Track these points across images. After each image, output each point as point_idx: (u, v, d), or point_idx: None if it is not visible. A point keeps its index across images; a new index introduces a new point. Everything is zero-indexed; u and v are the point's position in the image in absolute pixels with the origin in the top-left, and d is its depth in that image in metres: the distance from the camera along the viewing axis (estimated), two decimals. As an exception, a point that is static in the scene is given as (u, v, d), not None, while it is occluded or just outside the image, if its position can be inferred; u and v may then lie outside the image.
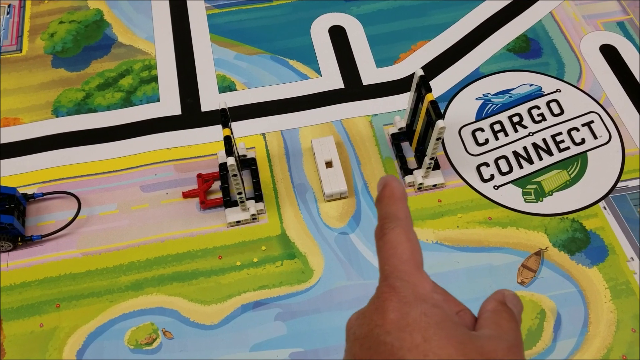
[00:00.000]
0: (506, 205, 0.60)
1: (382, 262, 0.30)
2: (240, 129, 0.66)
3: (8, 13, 0.76)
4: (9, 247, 0.57)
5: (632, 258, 0.57)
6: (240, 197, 0.56)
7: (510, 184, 0.61)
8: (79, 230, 0.59)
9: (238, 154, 0.60)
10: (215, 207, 0.60)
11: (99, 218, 0.60)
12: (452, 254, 0.57)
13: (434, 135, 0.53)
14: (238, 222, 0.59)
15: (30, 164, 0.63)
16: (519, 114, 0.66)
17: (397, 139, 0.64)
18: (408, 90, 0.67)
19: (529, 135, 0.64)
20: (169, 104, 0.68)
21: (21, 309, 0.55)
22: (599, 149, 0.63)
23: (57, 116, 0.67)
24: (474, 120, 0.66)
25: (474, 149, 0.63)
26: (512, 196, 0.60)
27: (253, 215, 0.58)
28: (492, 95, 0.67)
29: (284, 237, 0.58)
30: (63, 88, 0.69)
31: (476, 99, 0.67)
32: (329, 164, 0.61)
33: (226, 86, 0.69)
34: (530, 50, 0.71)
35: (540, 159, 0.62)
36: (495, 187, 0.61)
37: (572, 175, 0.61)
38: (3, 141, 0.65)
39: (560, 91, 0.68)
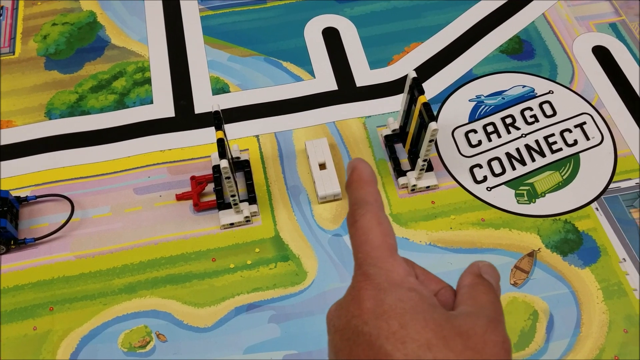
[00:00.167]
0: (499, 207, 0.60)
1: (355, 249, 0.30)
2: (234, 130, 0.66)
3: (0, 15, 0.76)
4: (2, 250, 0.57)
5: (624, 259, 0.57)
6: (234, 200, 0.56)
7: (503, 186, 0.61)
8: (72, 233, 0.59)
9: (231, 156, 0.60)
10: (209, 210, 0.60)
11: (92, 221, 0.60)
12: (445, 255, 0.57)
13: (427, 137, 0.54)
14: (231, 224, 0.59)
15: (23, 167, 0.63)
16: (511, 116, 0.66)
17: (391, 140, 0.64)
18: (401, 91, 0.67)
19: (521, 136, 0.64)
20: (163, 106, 0.68)
21: (14, 312, 0.55)
22: (592, 150, 0.64)
23: (50, 118, 0.67)
24: (467, 121, 0.66)
25: (467, 150, 0.64)
26: (505, 197, 0.61)
27: (246, 217, 0.58)
28: (485, 96, 0.68)
29: (278, 239, 0.58)
30: (56, 90, 0.69)
31: (469, 100, 0.67)
32: (322, 166, 0.62)
33: (220, 88, 0.69)
34: (523, 52, 0.71)
35: (533, 160, 0.63)
36: (488, 189, 0.61)
37: (564, 177, 0.62)
38: (-4, 144, 0.65)
39: (552, 92, 0.68)
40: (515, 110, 0.66)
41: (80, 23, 0.75)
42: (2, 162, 0.64)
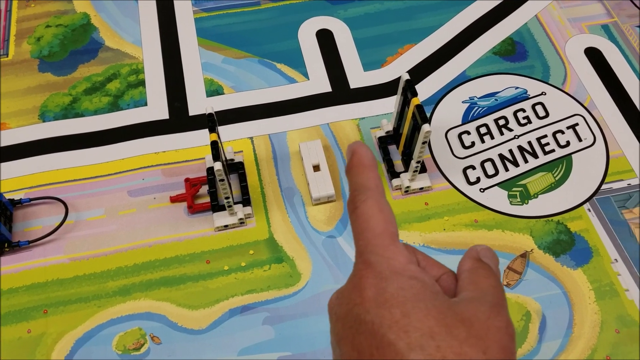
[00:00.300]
0: (492, 208, 0.60)
1: (356, 236, 0.30)
2: (228, 132, 0.66)
3: (-6, 17, 0.76)
4: (-4, 253, 0.57)
5: (616, 259, 0.57)
6: (228, 202, 0.56)
7: (496, 187, 0.62)
8: (67, 235, 0.59)
9: (225, 158, 0.60)
10: (203, 212, 0.60)
11: (86, 223, 0.60)
12: (438, 256, 0.58)
13: (420, 139, 0.54)
14: (226, 226, 0.59)
15: (17, 169, 0.63)
16: (504, 117, 0.66)
17: (384, 142, 0.64)
18: (395, 93, 0.68)
19: (514, 138, 0.65)
20: (157, 108, 0.68)
21: (8, 315, 0.55)
22: (584, 152, 0.64)
23: (44, 121, 0.67)
24: (460, 123, 0.66)
25: (460, 152, 0.64)
26: (497, 199, 0.61)
27: (241, 219, 0.59)
28: (478, 98, 0.68)
29: (272, 241, 0.59)
30: (50, 93, 0.69)
31: (462, 102, 0.68)
32: (316, 168, 0.62)
33: (214, 90, 0.69)
34: (515, 54, 0.72)
35: (526, 161, 0.63)
36: (482, 190, 0.61)
37: (557, 178, 0.62)
38: (-11, 146, 0.65)
39: (545, 94, 0.68)
40: (508, 112, 0.67)
41: (74, 25, 0.75)
42: (-4, 165, 0.64)
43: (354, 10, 0.76)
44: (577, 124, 0.66)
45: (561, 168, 0.63)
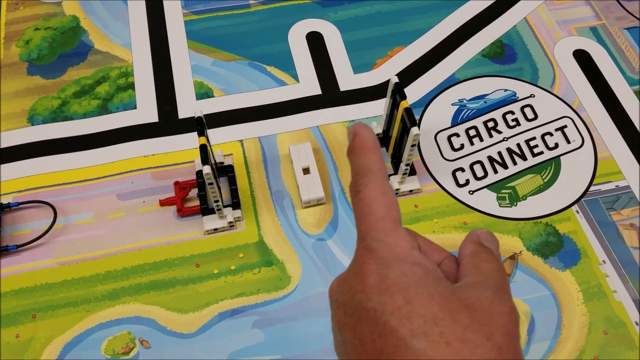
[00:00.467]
0: (481, 210, 0.61)
1: (358, 221, 0.29)
2: (218, 135, 0.66)
3: (-18, 20, 0.76)
4: (-16, 257, 0.57)
5: (604, 261, 0.58)
6: (217, 205, 0.56)
7: (485, 189, 0.62)
8: (55, 239, 0.59)
9: (215, 161, 0.60)
10: (193, 215, 0.60)
11: (75, 227, 0.60)
12: (428, 259, 0.58)
13: (409, 142, 0.54)
14: (215, 229, 0.59)
15: (5, 173, 0.63)
16: (493, 119, 0.66)
17: (374, 144, 0.64)
18: (385, 96, 0.68)
19: (503, 140, 0.65)
20: (146, 111, 0.68)
21: (-4, 320, 0.55)
22: (572, 154, 0.64)
23: (32, 124, 0.67)
24: (449, 125, 0.66)
25: (449, 154, 0.64)
26: (487, 201, 0.61)
27: (230, 222, 0.59)
28: (468, 100, 0.68)
29: (262, 244, 0.59)
30: (39, 96, 0.69)
31: (452, 104, 0.68)
32: (306, 171, 0.62)
33: (203, 93, 0.69)
34: (504, 56, 0.72)
35: (515, 163, 0.63)
36: (471, 192, 0.62)
37: (545, 180, 0.62)
38: (-23, 150, 0.65)
39: (534, 96, 0.69)
40: (497, 114, 0.67)
41: (63, 28, 0.75)
42: (-16, 169, 0.63)
43: (344, 13, 0.76)
44: (565, 126, 0.66)
45: (550, 170, 0.63)
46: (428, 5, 0.77)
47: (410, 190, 0.61)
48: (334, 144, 0.65)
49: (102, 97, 0.69)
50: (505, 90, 0.69)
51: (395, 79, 0.56)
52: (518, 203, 0.61)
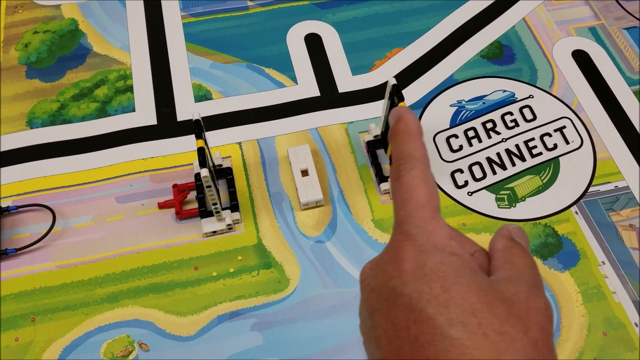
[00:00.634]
0: (480, 212, 0.60)
1: (398, 206, 0.29)
2: (216, 138, 0.66)
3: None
4: (-17, 261, 0.57)
5: (603, 262, 0.58)
6: (216, 208, 0.56)
7: (484, 190, 0.62)
8: (54, 242, 0.59)
9: (213, 163, 0.60)
10: (191, 218, 0.60)
11: (74, 230, 0.60)
12: (426, 260, 0.58)
13: (407, 143, 0.54)
14: (214, 232, 0.59)
15: (4, 177, 0.63)
16: (492, 120, 0.66)
17: (373, 146, 0.64)
18: (383, 97, 0.68)
19: (502, 141, 0.65)
20: (145, 114, 0.68)
21: (-4, 323, 0.55)
22: (571, 154, 0.64)
23: (31, 127, 0.67)
24: (448, 126, 0.66)
25: (448, 155, 0.64)
26: (485, 202, 0.61)
27: (229, 225, 0.59)
28: (466, 101, 0.68)
29: (260, 246, 0.59)
30: (37, 99, 0.69)
31: (450, 105, 0.68)
32: (304, 173, 0.62)
33: (202, 95, 0.69)
34: (503, 57, 0.72)
35: (513, 164, 0.63)
36: (469, 194, 0.62)
37: (544, 181, 0.62)
38: (-24, 154, 0.65)
39: (533, 97, 0.68)
40: (495, 115, 0.67)
41: (61, 31, 0.75)
42: (-17, 172, 0.63)
43: (343, 15, 0.76)
44: (564, 127, 0.66)
45: (549, 171, 0.63)
46: (426, 6, 0.77)
47: (409, 192, 0.61)
48: (332, 146, 0.65)
49: (100, 100, 0.69)
50: (504, 91, 0.69)
51: (393, 81, 0.56)
52: (517, 204, 0.61)
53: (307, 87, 0.70)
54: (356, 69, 0.71)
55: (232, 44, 0.74)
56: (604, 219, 0.60)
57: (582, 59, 0.72)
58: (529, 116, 0.67)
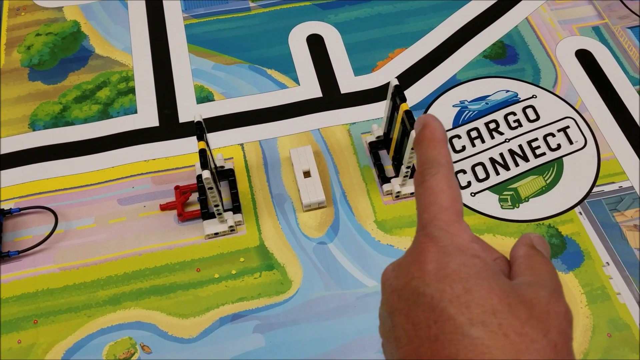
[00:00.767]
0: (483, 212, 0.60)
1: (421, 209, 0.30)
2: (219, 139, 0.66)
3: (-16, 26, 0.76)
4: (-15, 263, 0.57)
5: (607, 263, 0.57)
6: (218, 210, 0.56)
7: (486, 191, 0.61)
8: (57, 245, 0.59)
9: (215, 165, 0.60)
10: (193, 219, 0.60)
11: (76, 232, 0.60)
12: (429, 262, 0.57)
13: (409, 144, 0.54)
14: (216, 234, 0.59)
15: (6, 179, 0.63)
16: (495, 121, 0.66)
17: (375, 147, 0.64)
18: (385, 98, 0.67)
19: (505, 141, 0.65)
20: (147, 115, 0.68)
21: (-2, 326, 0.55)
22: (575, 154, 0.64)
23: (34, 130, 0.67)
24: (451, 127, 0.66)
25: (451, 156, 0.64)
26: (488, 203, 0.61)
27: (231, 226, 0.58)
28: (469, 102, 0.68)
29: (263, 248, 0.58)
30: (40, 101, 0.69)
31: (453, 105, 0.68)
32: (307, 174, 0.62)
33: (204, 96, 0.69)
34: (506, 57, 0.72)
35: (517, 165, 0.63)
36: (472, 194, 0.61)
37: (548, 181, 0.62)
38: (-21, 156, 0.65)
39: (536, 97, 0.68)
40: (498, 115, 0.67)
41: (64, 33, 0.75)
42: (-14, 175, 0.63)
43: (345, 15, 0.76)
44: (568, 127, 0.66)
45: (552, 171, 0.63)
46: (429, 6, 0.77)
47: (412, 193, 0.61)
48: (334, 147, 0.65)
49: (102, 102, 0.69)
50: (507, 91, 0.69)
51: (395, 82, 0.56)
52: (520, 205, 0.60)
53: (309, 88, 0.70)
54: (358, 70, 0.71)
55: (234, 45, 0.73)
56: (608, 219, 0.60)
57: (585, 58, 0.72)
58: (532, 116, 0.66)
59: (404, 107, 0.54)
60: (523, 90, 0.69)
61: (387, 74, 0.71)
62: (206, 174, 0.51)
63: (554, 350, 0.25)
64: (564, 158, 0.63)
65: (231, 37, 0.74)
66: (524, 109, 0.67)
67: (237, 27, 0.75)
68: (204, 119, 0.63)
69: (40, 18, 0.77)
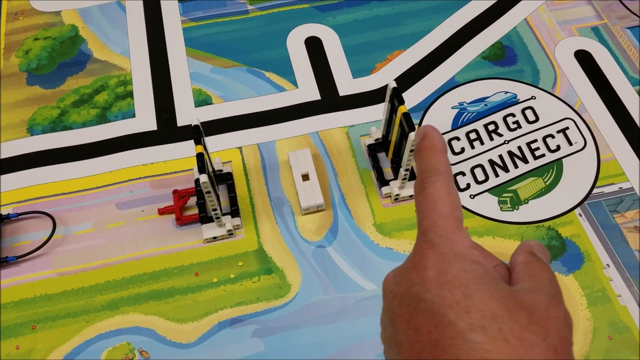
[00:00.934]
0: (482, 215, 0.60)
1: (421, 217, 0.30)
2: (217, 143, 0.65)
3: (-18, 31, 0.76)
4: (-16, 269, 0.57)
5: (608, 265, 0.57)
6: (216, 214, 0.56)
7: (486, 193, 0.61)
8: (55, 250, 0.59)
9: (213, 169, 0.60)
10: (192, 224, 0.60)
11: (74, 237, 0.60)
12: (429, 265, 0.57)
13: (408, 147, 0.53)
14: (214, 238, 0.59)
15: (4, 184, 0.63)
16: (494, 122, 0.66)
17: (374, 150, 0.64)
18: (384, 100, 0.67)
19: (504, 143, 0.64)
20: (145, 119, 0.67)
21: (-4, 331, 0.55)
22: (574, 156, 0.63)
23: (32, 134, 0.67)
24: (450, 129, 0.66)
25: (450, 158, 0.63)
26: (488, 205, 0.60)
27: (229, 230, 0.58)
28: (468, 103, 0.68)
29: (261, 252, 0.58)
30: (38, 106, 0.69)
31: (452, 107, 0.67)
32: (305, 177, 0.61)
33: (202, 100, 0.69)
34: (505, 58, 0.71)
35: (516, 166, 0.63)
36: (472, 197, 0.61)
37: (547, 183, 0.62)
38: (-23, 161, 0.65)
39: (535, 98, 0.68)
40: (497, 117, 0.66)
41: (62, 37, 0.75)
42: (-16, 180, 0.63)
43: (343, 17, 0.76)
44: (567, 128, 0.65)
45: (552, 173, 0.62)
46: (427, 8, 0.77)
47: (411, 196, 0.61)
48: (333, 150, 0.65)
49: (101, 106, 0.69)
50: (506, 92, 0.68)
51: (393, 84, 0.56)
52: (520, 207, 0.60)
53: (308, 90, 0.69)
54: (357, 72, 0.71)
55: (232, 48, 0.73)
56: (608, 221, 0.59)
57: (584, 59, 0.72)
58: (531, 117, 0.66)
59: (402, 109, 0.54)
60: (522, 91, 0.68)
61: (386, 76, 0.71)
62: (203, 177, 0.50)
63: (554, 354, 0.25)
64: (563, 159, 0.63)
65: (229, 40, 0.74)
66: (523, 111, 0.67)
67: (235, 30, 0.75)
68: (202, 122, 0.63)
69: (38, 22, 0.77)
